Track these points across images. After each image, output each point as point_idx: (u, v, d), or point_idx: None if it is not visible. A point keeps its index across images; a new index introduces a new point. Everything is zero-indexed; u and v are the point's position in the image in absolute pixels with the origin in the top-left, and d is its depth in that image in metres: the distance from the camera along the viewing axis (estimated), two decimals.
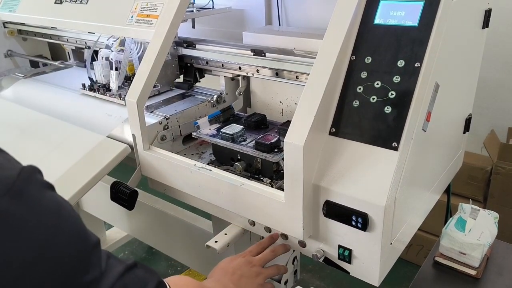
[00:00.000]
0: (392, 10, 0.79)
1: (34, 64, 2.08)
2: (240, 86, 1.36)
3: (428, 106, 0.79)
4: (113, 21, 1.18)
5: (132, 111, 1.05)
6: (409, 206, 0.88)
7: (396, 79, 0.76)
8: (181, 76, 1.44)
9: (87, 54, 1.48)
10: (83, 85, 1.40)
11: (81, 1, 1.31)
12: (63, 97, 1.42)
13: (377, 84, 0.78)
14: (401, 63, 0.76)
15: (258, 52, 1.20)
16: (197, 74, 1.41)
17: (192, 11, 1.42)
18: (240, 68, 1.25)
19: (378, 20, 0.80)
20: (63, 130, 1.25)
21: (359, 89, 0.79)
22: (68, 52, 1.94)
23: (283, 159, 1.01)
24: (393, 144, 0.74)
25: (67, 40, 1.74)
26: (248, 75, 1.26)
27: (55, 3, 1.39)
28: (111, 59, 1.33)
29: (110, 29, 1.18)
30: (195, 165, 1.00)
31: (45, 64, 1.98)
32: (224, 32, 1.56)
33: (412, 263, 1.96)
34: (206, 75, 1.41)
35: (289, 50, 1.18)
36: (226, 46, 1.29)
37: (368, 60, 0.79)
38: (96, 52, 1.46)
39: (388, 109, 0.76)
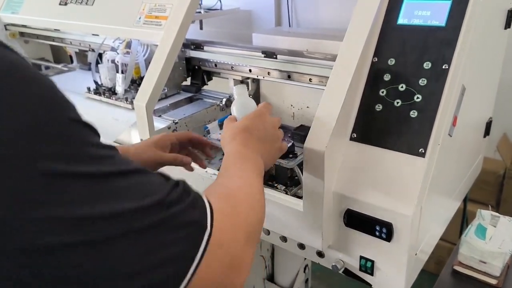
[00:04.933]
0: (416, 9, 0.75)
1: (36, 67, 2.04)
2: (250, 89, 1.32)
3: (454, 110, 0.75)
4: (120, 23, 1.14)
5: (141, 115, 1.02)
6: (433, 214, 0.84)
7: (422, 81, 0.72)
8: (188, 79, 1.40)
9: (92, 57, 1.45)
10: (88, 89, 1.36)
11: (86, 2, 1.27)
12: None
13: (402, 87, 0.74)
14: (427, 65, 0.72)
15: (269, 54, 1.16)
16: (205, 77, 1.37)
17: (200, 12, 1.39)
18: (250, 70, 1.22)
19: (401, 20, 0.76)
20: None
21: (382, 92, 0.76)
22: (71, 55, 1.91)
23: (298, 165, 0.97)
24: (419, 150, 0.70)
25: (71, 42, 1.70)
26: (258, 77, 1.22)
27: (60, 4, 1.35)
28: (117, 61, 1.29)
29: (117, 30, 1.15)
30: (206, 171, 0.97)
31: (47, 67, 1.94)
32: (232, 34, 1.53)
33: (427, 271, 1.92)
34: (213, 77, 1.37)
35: (301, 52, 1.14)
36: (236, 48, 1.25)
37: (392, 62, 0.76)
38: (100, 55, 1.43)
39: (413, 114, 0.72)
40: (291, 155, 0.97)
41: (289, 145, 0.97)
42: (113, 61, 1.31)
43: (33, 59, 2.01)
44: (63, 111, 0.41)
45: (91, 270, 0.38)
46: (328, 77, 1.06)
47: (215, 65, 1.30)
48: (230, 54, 1.25)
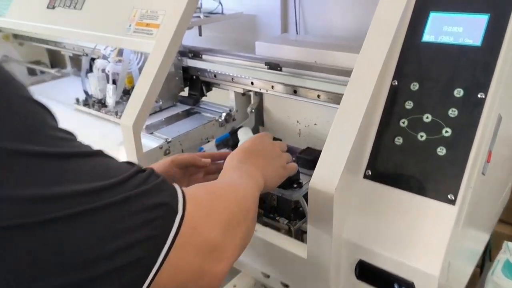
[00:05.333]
0: (446, 24, 0.63)
1: (32, 71, 1.95)
2: (252, 102, 1.20)
3: (489, 145, 0.63)
4: (109, 30, 1.03)
5: (127, 136, 0.91)
6: (463, 259, 0.72)
7: (453, 112, 0.60)
8: (186, 89, 1.29)
9: (84, 64, 1.34)
10: (77, 100, 1.26)
11: (75, 6, 1.16)
12: (56, 112, 1.28)
13: (427, 118, 0.62)
14: (458, 93, 0.60)
15: (274, 65, 1.05)
16: (203, 87, 1.26)
17: (199, 16, 1.27)
18: (252, 83, 1.10)
19: (427, 36, 0.64)
20: None
21: (403, 123, 0.64)
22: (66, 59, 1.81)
23: (304, 195, 0.86)
24: (449, 196, 0.58)
25: (65, 46, 1.60)
26: (261, 91, 1.11)
27: (48, 7, 1.24)
28: (108, 71, 1.19)
29: (105, 39, 1.04)
30: None
31: (42, 72, 1.84)
32: (234, 39, 1.41)
33: None
34: (214, 88, 1.26)
35: (309, 64, 1.02)
36: (237, 57, 1.13)
37: (415, 87, 0.64)
38: (94, 61, 1.32)
39: (441, 151, 0.60)
40: (295, 185, 0.85)
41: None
42: (103, 70, 1.21)
43: (28, 63, 1.92)
44: (18, 89, 0.38)
45: (45, 253, 0.35)
46: (339, 94, 0.95)
47: (215, 76, 1.18)
48: (230, 64, 1.13)
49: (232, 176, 0.63)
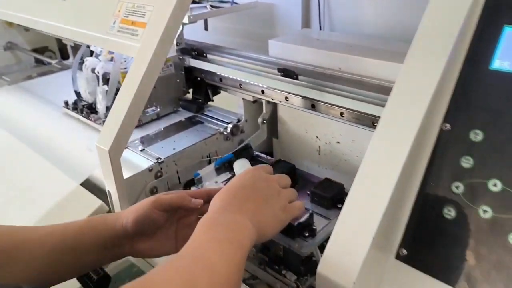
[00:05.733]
0: None
1: (41, 59, 1.81)
2: (264, 111, 1.02)
3: None
4: (91, 27, 0.86)
5: (104, 161, 0.75)
6: None
7: None
8: (191, 90, 1.12)
9: (76, 57, 1.18)
10: (66, 103, 1.10)
11: None
12: (43, 116, 1.13)
13: (494, 185, 0.42)
14: None
15: (289, 72, 0.85)
16: (209, 91, 1.08)
17: (206, 7, 1.08)
18: (263, 91, 0.92)
19: (499, 62, 0.44)
20: (33, 167, 0.96)
21: (457, 187, 0.44)
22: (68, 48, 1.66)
23: (318, 247, 0.68)
24: None
25: None
26: (274, 101, 0.92)
27: None
28: (97, 72, 1.02)
29: (86, 36, 0.87)
30: None
31: (48, 63, 1.70)
32: (247, 33, 1.21)
33: None
34: (222, 91, 1.08)
35: (332, 73, 0.82)
36: (246, 59, 0.95)
37: (477, 136, 0.44)
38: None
39: None
40: (307, 233, 0.67)
41: (305, 217, 0.68)
42: (93, 70, 1.04)
43: (34, 50, 1.78)
44: None
45: None
46: (367, 115, 0.75)
47: (220, 80, 1.00)
48: (238, 67, 0.95)
49: (201, 240, 0.47)
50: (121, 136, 0.73)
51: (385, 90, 0.74)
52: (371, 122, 0.75)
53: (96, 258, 0.60)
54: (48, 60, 1.65)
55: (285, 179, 0.63)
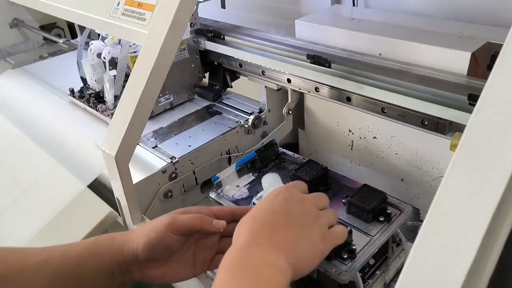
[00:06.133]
0: None
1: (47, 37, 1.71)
2: (290, 100, 0.91)
3: None
4: (93, 8, 0.75)
5: (110, 166, 0.66)
6: None
7: None
8: (207, 75, 1.01)
9: (81, 39, 1.08)
10: (72, 91, 1.01)
11: None
12: (48, 103, 1.04)
13: None
14: None
15: (320, 60, 0.74)
16: (227, 76, 0.97)
17: None
18: (289, 80, 0.80)
19: None
20: (36, 163, 0.88)
21: None
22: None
23: (360, 271, 0.59)
24: None
25: None
26: (301, 91, 0.81)
27: None
28: (104, 58, 0.92)
29: (87, 20, 0.76)
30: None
31: (55, 41, 1.59)
32: (271, 9, 1.08)
33: None
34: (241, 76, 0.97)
35: (372, 60, 0.71)
36: (270, 42, 0.83)
37: None
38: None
39: None
40: (345, 254, 0.58)
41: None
42: (99, 56, 0.94)
43: (42, 28, 1.68)
44: None
45: None
46: (417, 114, 0.64)
47: (240, 66, 0.89)
48: (260, 52, 0.83)
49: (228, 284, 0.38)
50: (128, 139, 0.63)
51: (436, 82, 0.62)
52: (420, 121, 0.64)
53: (102, 286, 0.52)
54: (55, 39, 1.55)
55: (323, 199, 0.53)
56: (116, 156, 0.63)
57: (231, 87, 0.99)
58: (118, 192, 0.68)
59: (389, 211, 0.64)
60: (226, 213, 0.55)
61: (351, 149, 0.87)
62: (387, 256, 0.67)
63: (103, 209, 0.74)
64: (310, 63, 0.75)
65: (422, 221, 0.79)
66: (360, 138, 0.84)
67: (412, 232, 0.75)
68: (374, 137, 0.81)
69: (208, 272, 0.60)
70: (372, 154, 0.83)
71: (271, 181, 0.59)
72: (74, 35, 1.75)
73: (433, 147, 0.72)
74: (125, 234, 0.54)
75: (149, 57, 0.62)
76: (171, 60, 0.64)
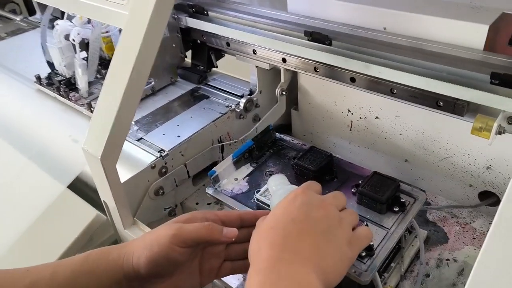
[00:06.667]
0: None
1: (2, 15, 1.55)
2: (283, 80, 0.84)
3: None
4: None
5: (95, 169, 0.58)
6: None
7: None
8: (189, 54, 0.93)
9: (44, 18, 0.96)
10: (38, 78, 0.91)
11: None
12: (11, 92, 0.94)
13: None
14: None
15: (319, 37, 0.67)
16: (212, 56, 0.89)
17: None
18: (284, 60, 0.74)
19: None
20: (5, 163, 0.79)
21: None
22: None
23: (379, 270, 0.55)
24: None
25: None
26: (297, 70, 0.74)
27: None
28: (73, 40, 0.82)
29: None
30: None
31: (10, 19, 1.45)
32: None
33: None
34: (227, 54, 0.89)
35: (377, 36, 0.65)
36: (260, 18, 0.75)
37: None
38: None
39: None
40: (364, 252, 0.54)
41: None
42: (67, 37, 0.84)
43: None
44: None
45: None
46: (429, 93, 0.59)
47: (227, 44, 0.81)
48: (250, 29, 0.76)
49: None
50: (115, 138, 0.56)
51: (452, 59, 0.57)
52: (435, 101, 0.59)
53: None
54: (11, 15, 1.40)
55: (341, 198, 0.48)
56: (102, 157, 0.55)
57: (216, 66, 0.91)
58: (105, 195, 0.61)
59: (403, 200, 0.60)
60: (234, 219, 0.50)
61: (350, 130, 0.82)
62: (400, 246, 0.63)
63: (88, 212, 0.67)
64: (308, 40, 0.69)
65: (428, 204, 0.76)
66: (361, 118, 0.79)
67: (420, 217, 0.72)
68: (376, 117, 0.76)
69: (215, 280, 0.55)
70: (374, 135, 0.79)
71: (278, 182, 0.53)
72: (31, 12, 1.60)
73: (442, 127, 0.68)
74: (122, 246, 0.47)
75: (132, 42, 0.54)
76: (158, 44, 0.56)
